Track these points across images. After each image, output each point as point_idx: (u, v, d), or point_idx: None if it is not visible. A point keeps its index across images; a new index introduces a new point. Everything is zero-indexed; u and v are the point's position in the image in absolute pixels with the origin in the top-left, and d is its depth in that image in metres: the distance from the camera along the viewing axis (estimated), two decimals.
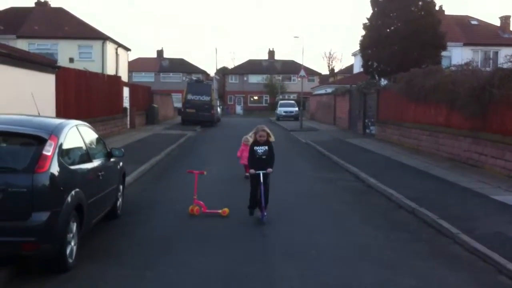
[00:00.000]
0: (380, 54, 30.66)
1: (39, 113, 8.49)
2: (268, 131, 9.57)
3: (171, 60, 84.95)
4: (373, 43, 31.37)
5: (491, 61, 40.32)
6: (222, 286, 6.17)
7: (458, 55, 38.57)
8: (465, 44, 43.35)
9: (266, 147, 9.45)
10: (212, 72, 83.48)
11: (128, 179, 11.89)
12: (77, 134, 7.51)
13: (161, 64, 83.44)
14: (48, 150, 6.26)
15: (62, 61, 35.29)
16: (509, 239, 7.97)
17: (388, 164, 17.12)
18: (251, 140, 13.13)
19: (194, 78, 44.23)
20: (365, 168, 15.45)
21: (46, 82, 17.07)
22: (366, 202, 11.45)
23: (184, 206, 10.06)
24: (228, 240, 8.20)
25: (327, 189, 13.12)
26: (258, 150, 9.44)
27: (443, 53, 31.55)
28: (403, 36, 29.60)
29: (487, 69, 20.19)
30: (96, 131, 8.92)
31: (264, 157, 9.41)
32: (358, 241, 8.23)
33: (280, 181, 12.70)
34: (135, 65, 74.53)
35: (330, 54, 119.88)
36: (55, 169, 6.26)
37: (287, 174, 14.84)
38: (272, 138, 9.57)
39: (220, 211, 9.72)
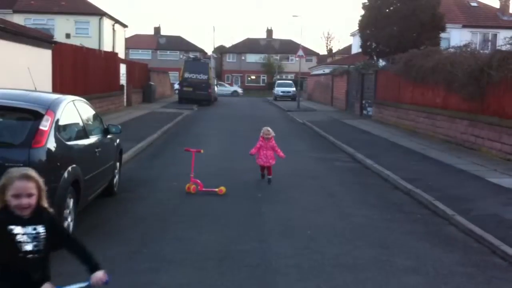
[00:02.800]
0: (379, 35, 30.53)
1: (35, 88, 8.42)
2: (34, 174, 3.39)
3: (168, 38, 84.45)
4: (372, 23, 31.22)
5: (490, 43, 40.22)
6: (217, 263, 6.20)
7: (457, 37, 38.38)
8: (464, 26, 43.15)
9: (41, 227, 3.40)
10: (209, 50, 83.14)
11: (125, 156, 11.88)
12: (74, 110, 7.47)
13: (158, 41, 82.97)
14: (45, 125, 6.23)
15: (59, 37, 35.09)
16: (504, 221, 8.02)
17: (385, 145, 17.14)
18: (272, 133, 11.02)
19: (192, 56, 43.87)
20: (362, 149, 15.47)
21: (43, 58, 16.94)
22: (362, 183, 11.47)
23: (181, 184, 10.06)
24: (224, 218, 8.22)
25: (324, 169, 13.15)
26: (16, 232, 3.32)
27: (442, 35, 31.45)
28: (402, 16, 29.45)
29: (486, 51, 20.14)
30: (93, 107, 8.88)
31: (30, 256, 3.35)
32: (354, 221, 8.27)
33: (276, 161, 12.69)
34: (132, 42, 74.11)
35: (328, 34, 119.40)
36: (52, 144, 6.24)
37: (284, 154, 14.82)
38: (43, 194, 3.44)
39: (216, 189, 9.73)
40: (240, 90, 65.71)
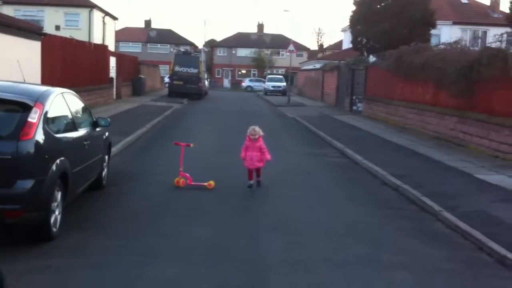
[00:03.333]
0: (370, 31, 30.55)
1: (24, 80, 8.36)
2: None
3: (159, 31, 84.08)
4: (363, 19, 31.23)
5: (480, 40, 40.40)
6: (206, 257, 6.19)
7: (447, 33, 38.50)
8: (455, 23, 43.28)
9: None
10: (200, 44, 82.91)
11: (114, 150, 11.83)
12: (63, 102, 7.42)
13: (149, 34, 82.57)
14: (34, 117, 6.18)
15: (48, 29, 34.69)
16: (491, 218, 8.08)
17: (374, 141, 17.19)
18: (260, 132, 9.82)
19: (182, 50, 43.80)
20: (351, 145, 15.50)
21: (32, 49, 16.81)
22: (351, 179, 11.50)
23: (170, 178, 10.03)
24: (213, 213, 8.21)
25: (313, 165, 13.16)
26: None
27: (432, 31, 31.49)
28: (393, 13, 29.49)
29: (476, 48, 20.22)
30: (82, 100, 8.82)
31: None
32: (343, 217, 8.29)
33: None
34: (123, 35, 73.67)
35: (319, 29, 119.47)
36: (40, 136, 6.19)
37: (273, 149, 14.79)
38: None
39: (205, 183, 9.71)
40: None
